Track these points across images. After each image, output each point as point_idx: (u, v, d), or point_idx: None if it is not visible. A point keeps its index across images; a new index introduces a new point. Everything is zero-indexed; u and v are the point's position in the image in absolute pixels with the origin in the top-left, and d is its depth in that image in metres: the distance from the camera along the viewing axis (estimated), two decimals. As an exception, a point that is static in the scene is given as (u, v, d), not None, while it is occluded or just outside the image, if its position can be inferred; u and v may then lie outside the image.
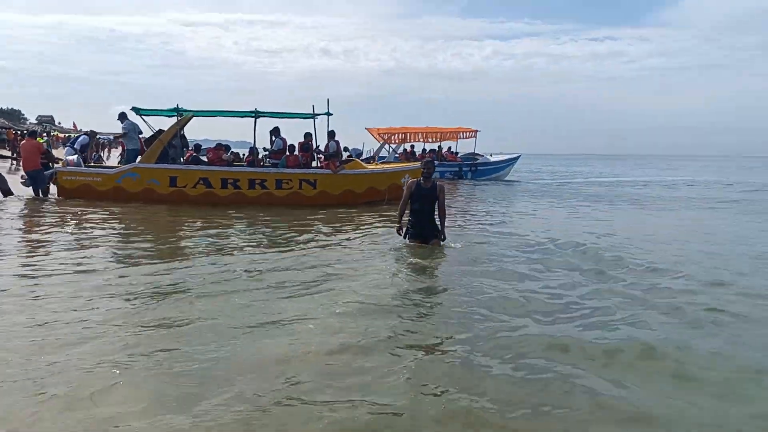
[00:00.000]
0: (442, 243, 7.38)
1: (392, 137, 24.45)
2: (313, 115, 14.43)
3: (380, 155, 23.74)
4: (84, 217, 10.68)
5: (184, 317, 4.61)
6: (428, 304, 5.24)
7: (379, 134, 24.92)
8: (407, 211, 7.52)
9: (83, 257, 6.97)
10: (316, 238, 8.97)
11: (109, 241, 8.31)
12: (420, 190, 7.17)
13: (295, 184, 13.80)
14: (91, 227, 9.52)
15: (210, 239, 8.70)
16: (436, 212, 7.38)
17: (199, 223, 10.39)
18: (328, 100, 14.01)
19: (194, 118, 14.13)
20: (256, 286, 5.63)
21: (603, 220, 12.51)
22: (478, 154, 27.45)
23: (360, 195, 14.18)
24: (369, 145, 24.59)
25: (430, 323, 4.72)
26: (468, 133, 27.13)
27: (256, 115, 14.16)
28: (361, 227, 10.32)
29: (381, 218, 11.48)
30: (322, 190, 13.92)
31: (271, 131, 15.04)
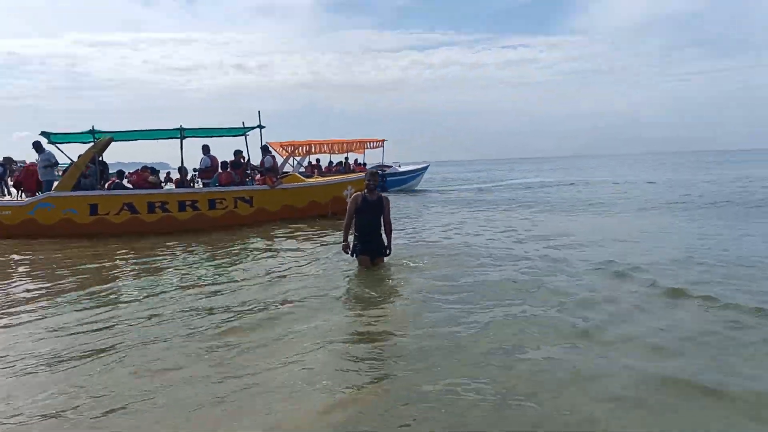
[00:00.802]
0: (387, 256, 7.03)
1: (296, 150, 23.48)
2: (244, 131, 13.72)
3: (284, 170, 22.74)
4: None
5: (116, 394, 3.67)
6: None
7: (282, 147, 23.76)
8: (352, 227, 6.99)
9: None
10: (258, 267, 7.92)
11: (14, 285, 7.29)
12: (366, 203, 6.74)
13: (229, 203, 12.96)
14: None
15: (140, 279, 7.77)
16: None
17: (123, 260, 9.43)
18: (259, 112, 13.34)
19: (113, 141, 13.04)
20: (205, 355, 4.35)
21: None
22: (386, 165, 26.63)
23: (301, 210, 13.54)
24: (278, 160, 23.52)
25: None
26: (375, 143, 26.43)
27: (182, 133, 13.26)
28: (305, 246, 9.72)
29: (321, 234, 10.93)
30: (260, 207, 13.17)
31: (202, 148, 14.12)
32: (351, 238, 6.94)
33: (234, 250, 9.63)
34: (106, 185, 12.75)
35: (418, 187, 27.87)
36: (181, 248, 9.95)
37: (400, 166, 27.52)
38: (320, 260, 8.16)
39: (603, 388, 3.46)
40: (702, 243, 8.87)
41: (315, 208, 13.72)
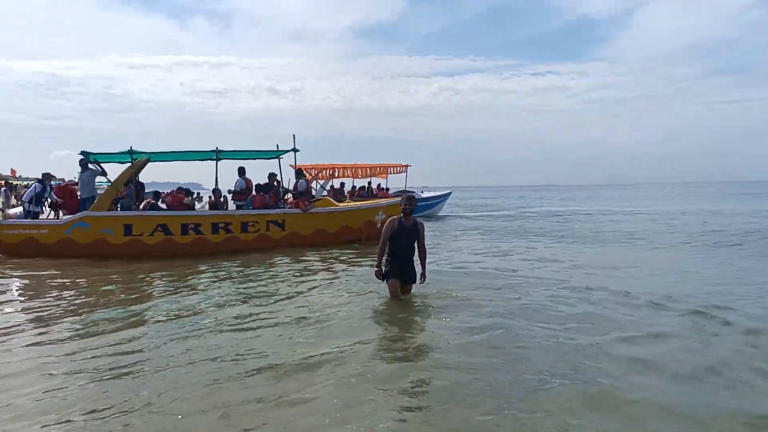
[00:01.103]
0: (422, 284, 6.84)
1: (320, 174, 23.38)
2: (278, 153, 13.73)
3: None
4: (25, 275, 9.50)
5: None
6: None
7: (305, 171, 23.65)
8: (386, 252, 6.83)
9: (33, 327, 5.95)
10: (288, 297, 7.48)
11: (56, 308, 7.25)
12: (402, 228, 6.60)
13: (262, 226, 12.91)
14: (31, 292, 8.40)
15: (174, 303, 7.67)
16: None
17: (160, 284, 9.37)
18: (294, 135, 13.33)
19: (150, 162, 13.18)
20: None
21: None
22: (409, 191, 25.67)
23: (333, 234, 13.42)
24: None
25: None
26: (398, 169, 25.96)
27: (218, 155, 13.33)
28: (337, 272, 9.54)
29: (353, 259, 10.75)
30: (292, 231, 13.08)
31: (238, 170, 14.16)
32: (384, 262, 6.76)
33: (264, 279, 9.45)
34: (141, 206, 12.84)
35: (440, 213, 27.64)
36: (211, 273, 9.86)
37: (422, 192, 27.19)
38: (355, 293, 7.88)
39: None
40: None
41: (347, 232, 13.59)
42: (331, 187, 24.96)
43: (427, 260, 6.93)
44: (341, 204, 14.75)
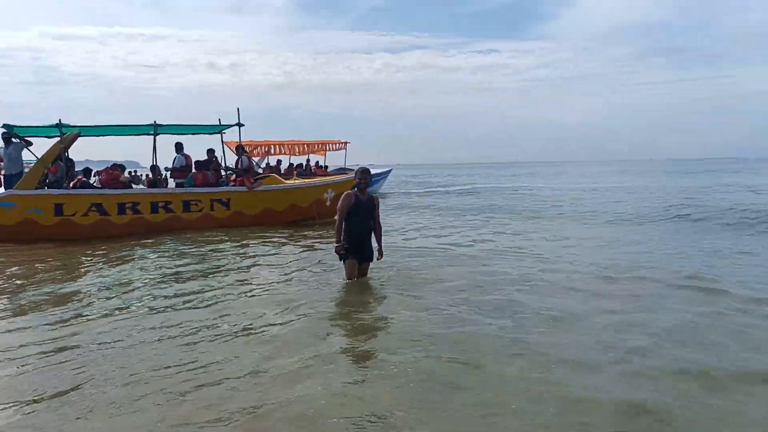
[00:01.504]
0: (379, 259, 6.57)
1: (254, 151, 22.40)
2: (221, 128, 13.15)
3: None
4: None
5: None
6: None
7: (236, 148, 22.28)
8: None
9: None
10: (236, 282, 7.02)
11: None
12: (359, 203, 6.25)
13: (205, 205, 12.34)
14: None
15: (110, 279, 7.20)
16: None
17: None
18: (238, 109, 12.75)
19: (81, 136, 12.31)
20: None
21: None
22: (348, 169, 24.85)
23: (281, 213, 13.00)
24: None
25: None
26: (337, 145, 25.07)
27: (156, 129, 12.61)
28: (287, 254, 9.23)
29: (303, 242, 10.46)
30: (238, 210, 12.58)
31: (175, 146, 13.42)
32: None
33: (210, 257, 9.04)
34: (71, 184, 11.99)
35: (381, 191, 27.43)
36: (150, 255, 9.33)
37: None
38: (306, 270, 7.66)
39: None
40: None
41: (296, 211, 13.20)
42: (267, 164, 24.14)
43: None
44: (288, 182, 14.32)
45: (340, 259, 6.48)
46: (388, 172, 29.40)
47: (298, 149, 24.21)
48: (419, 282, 6.63)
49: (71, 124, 11.79)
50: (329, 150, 25.37)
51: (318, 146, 24.95)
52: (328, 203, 13.60)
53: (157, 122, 12.49)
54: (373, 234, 6.52)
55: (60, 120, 11.56)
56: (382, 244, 6.63)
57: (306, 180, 16.00)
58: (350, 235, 6.29)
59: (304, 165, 25.09)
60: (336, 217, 6.35)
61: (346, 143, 25.16)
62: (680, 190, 24.91)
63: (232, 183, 13.11)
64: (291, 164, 25.25)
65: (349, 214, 6.24)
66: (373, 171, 27.54)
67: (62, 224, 11.26)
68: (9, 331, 5.00)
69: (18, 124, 11.62)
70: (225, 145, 14.05)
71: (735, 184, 29.05)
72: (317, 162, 26.28)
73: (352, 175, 25.55)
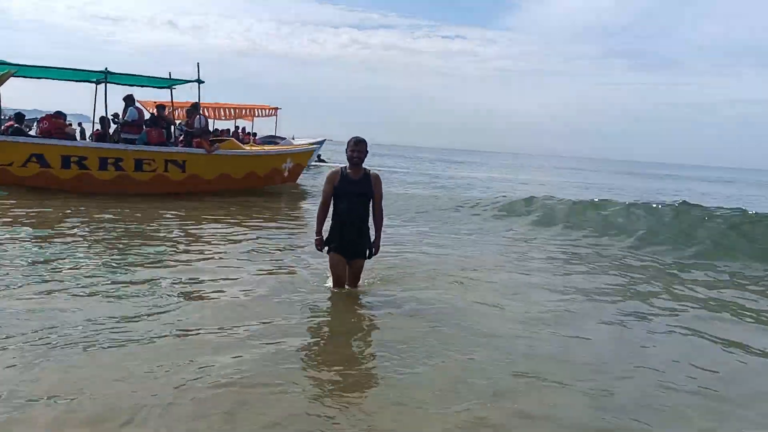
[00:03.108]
0: (368, 258, 5.10)
1: (175, 112, 20.48)
2: (173, 82, 12.30)
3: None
4: None
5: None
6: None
7: (156, 108, 19.63)
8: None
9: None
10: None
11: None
12: (348, 183, 4.86)
13: (159, 165, 11.53)
14: None
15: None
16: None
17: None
18: (198, 64, 11.92)
19: (17, 76, 10.99)
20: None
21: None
22: (279, 137, 23.52)
23: (238, 181, 12.45)
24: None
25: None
26: (267, 111, 23.33)
27: (107, 77, 11.54)
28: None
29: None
30: (193, 174, 11.86)
31: (124, 98, 12.31)
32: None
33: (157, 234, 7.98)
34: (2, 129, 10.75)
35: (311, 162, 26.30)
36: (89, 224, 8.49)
37: (294, 139, 24.58)
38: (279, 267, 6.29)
39: None
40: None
41: (253, 180, 12.71)
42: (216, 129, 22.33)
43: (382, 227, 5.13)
44: (247, 147, 13.68)
45: (322, 250, 5.10)
46: (322, 142, 28.23)
47: (225, 113, 22.19)
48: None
49: (7, 61, 10.50)
50: (258, 116, 23.62)
51: (246, 111, 23.10)
52: (286, 173, 13.20)
53: (109, 69, 11.43)
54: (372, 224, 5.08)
55: (-4, 56, 10.25)
56: (380, 238, 5.11)
57: (265, 147, 15.36)
58: (335, 226, 4.98)
59: (231, 131, 22.82)
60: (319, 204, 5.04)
61: (276, 109, 23.38)
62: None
63: (181, 145, 12.14)
64: (216, 129, 22.54)
65: (336, 198, 4.90)
66: (302, 141, 25.40)
67: (-4, 174, 10.11)
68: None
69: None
70: (143, 106, 12.90)
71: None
72: (244, 128, 24.37)
73: (311, 143, 21.59)
